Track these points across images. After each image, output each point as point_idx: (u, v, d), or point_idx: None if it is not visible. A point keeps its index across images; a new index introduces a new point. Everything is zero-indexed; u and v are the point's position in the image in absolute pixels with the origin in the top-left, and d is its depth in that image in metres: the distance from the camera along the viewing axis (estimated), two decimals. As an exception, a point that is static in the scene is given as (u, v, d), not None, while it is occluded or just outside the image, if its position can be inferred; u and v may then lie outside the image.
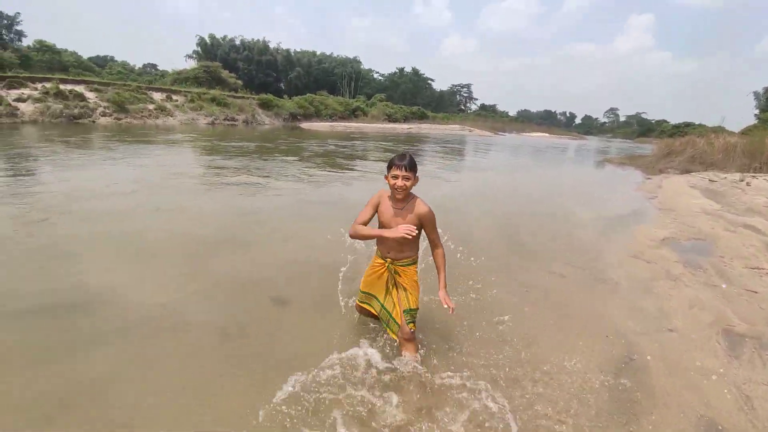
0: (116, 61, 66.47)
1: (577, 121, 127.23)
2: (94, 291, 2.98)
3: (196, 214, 5.13)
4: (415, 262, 2.41)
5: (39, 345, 2.34)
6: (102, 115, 19.51)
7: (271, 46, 66.43)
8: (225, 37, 64.51)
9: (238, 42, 64.44)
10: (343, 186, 8.21)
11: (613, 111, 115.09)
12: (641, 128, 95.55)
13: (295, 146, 15.29)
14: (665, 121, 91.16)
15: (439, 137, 31.64)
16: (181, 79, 35.02)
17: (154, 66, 70.14)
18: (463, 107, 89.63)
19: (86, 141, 12.16)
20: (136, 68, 62.37)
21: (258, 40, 65.82)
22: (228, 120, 26.03)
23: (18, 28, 47.00)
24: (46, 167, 7.72)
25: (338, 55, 70.59)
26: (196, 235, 4.34)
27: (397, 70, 76.79)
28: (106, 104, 20.12)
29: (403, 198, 2.25)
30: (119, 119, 19.91)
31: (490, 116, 77.70)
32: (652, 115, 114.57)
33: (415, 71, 76.94)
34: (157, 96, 23.69)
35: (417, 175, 2.24)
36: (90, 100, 19.89)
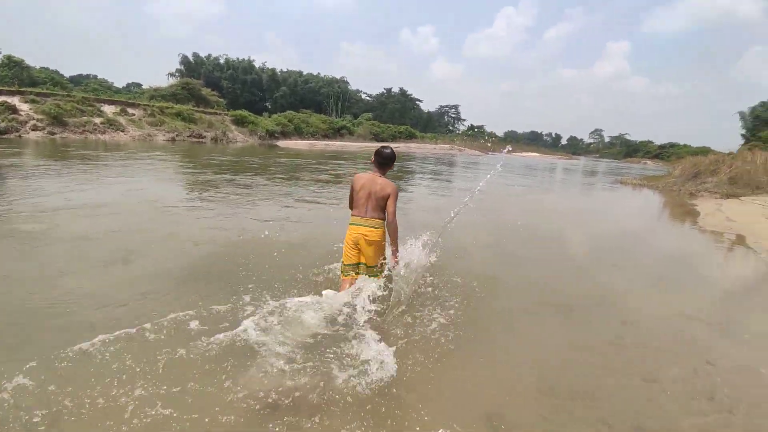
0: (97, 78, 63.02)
1: (563, 142, 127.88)
2: None
3: None
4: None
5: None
6: (33, 129, 16.47)
7: (257, 65, 64.64)
8: (209, 56, 62.46)
9: (222, 61, 62.41)
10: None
11: (598, 132, 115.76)
12: (627, 148, 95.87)
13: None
14: (650, 142, 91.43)
15: (428, 156, 29.33)
16: (158, 96, 32.03)
17: (138, 85, 66.22)
18: (451, 128, 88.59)
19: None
20: (114, 86, 59.03)
21: (243, 59, 63.97)
22: (194, 137, 23.18)
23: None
24: None
25: (325, 75, 69.04)
26: None
27: (385, 91, 75.53)
28: (40, 117, 17.12)
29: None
30: (53, 134, 16.83)
31: (480, 136, 76.54)
32: (635, 136, 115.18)
33: (403, 92, 75.81)
34: (109, 109, 20.75)
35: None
36: (22, 113, 16.89)
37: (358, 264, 3.00)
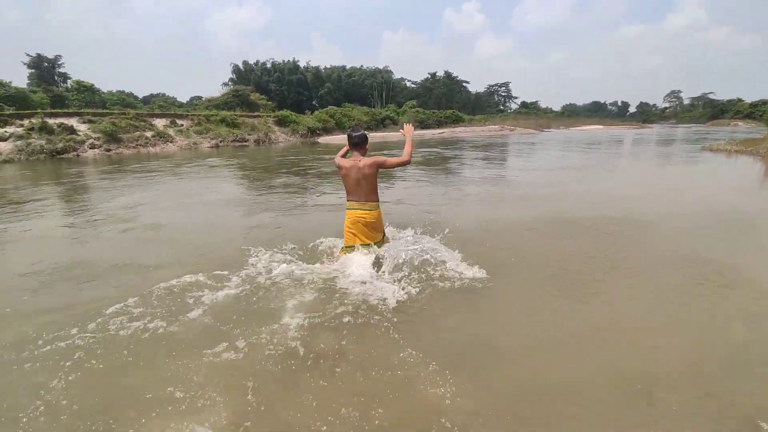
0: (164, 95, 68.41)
1: (632, 109, 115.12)
2: None
3: None
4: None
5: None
6: (90, 147, 17.67)
7: (301, 65, 65.72)
8: (257, 62, 64.59)
9: (269, 65, 64.33)
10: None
11: (674, 94, 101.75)
12: (712, 110, 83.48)
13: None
14: (740, 100, 78.57)
15: (475, 140, 27.40)
16: (213, 105, 34.33)
17: (199, 98, 70.61)
18: (502, 107, 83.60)
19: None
20: (177, 101, 63.54)
21: (288, 60, 65.40)
22: (237, 141, 23.72)
23: (61, 70, 49.17)
24: None
25: (368, 67, 68.24)
26: None
27: (430, 76, 72.99)
28: (97, 135, 18.34)
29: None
30: (108, 150, 17.96)
31: (533, 113, 71.20)
32: (721, 95, 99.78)
33: (449, 75, 72.74)
34: (160, 122, 21.83)
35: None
36: (80, 133, 18.20)
37: (356, 246, 3.14)
